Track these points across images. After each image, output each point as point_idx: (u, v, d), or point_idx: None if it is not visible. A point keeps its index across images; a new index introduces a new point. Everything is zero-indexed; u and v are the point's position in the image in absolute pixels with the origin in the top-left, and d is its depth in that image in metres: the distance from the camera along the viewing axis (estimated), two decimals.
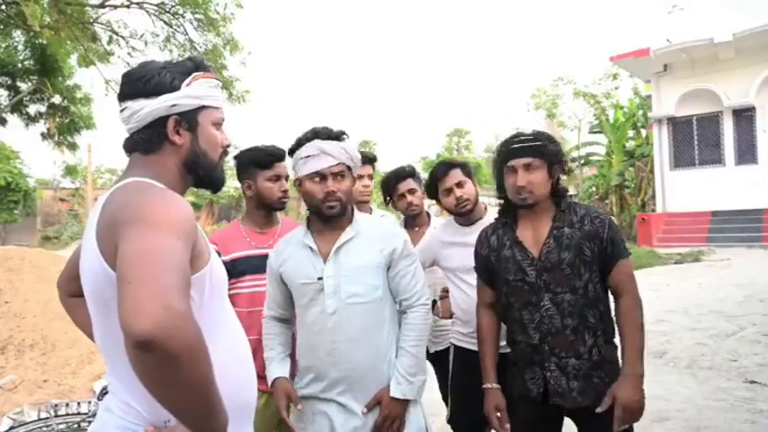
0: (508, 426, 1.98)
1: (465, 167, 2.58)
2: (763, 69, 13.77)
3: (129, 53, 9.42)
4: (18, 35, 10.57)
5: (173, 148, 1.28)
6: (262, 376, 2.11)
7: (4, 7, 8.45)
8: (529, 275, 1.92)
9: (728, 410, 3.82)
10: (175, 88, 1.25)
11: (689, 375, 4.61)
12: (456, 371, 2.57)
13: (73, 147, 13.06)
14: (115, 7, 9.03)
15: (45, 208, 30.18)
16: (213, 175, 1.35)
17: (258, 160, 2.28)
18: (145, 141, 1.27)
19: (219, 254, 2.12)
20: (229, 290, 2.14)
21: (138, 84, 1.25)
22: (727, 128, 14.74)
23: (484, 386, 2.05)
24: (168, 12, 9.08)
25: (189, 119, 1.28)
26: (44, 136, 12.44)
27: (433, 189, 2.60)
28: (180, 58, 1.33)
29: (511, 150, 1.92)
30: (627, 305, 1.89)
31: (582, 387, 1.87)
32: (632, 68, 16.63)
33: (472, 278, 2.27)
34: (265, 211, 2.34)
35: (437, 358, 2.76)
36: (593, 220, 1.92)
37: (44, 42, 9.76)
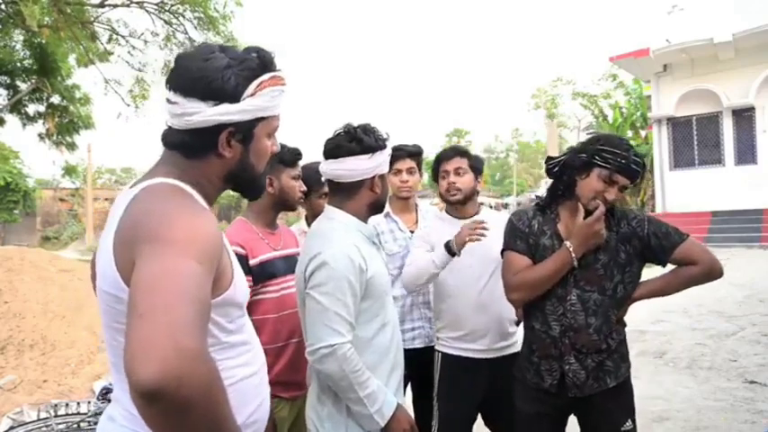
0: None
1: (475, 161, 2.55)
2: (762, 69, 13.77)
3: (128, 52, 9.44)
4: (17, 34, 10.53)
5: (220, 160, 1.16)
6: (287, 382, 2.05)
7: (3, 7, 8.43)
8: None
9: (728, 410, 3.82)
10: (237, 97, 1.11)
11: (689, 375, 4.62)
12: (443, 377, 2.49)
13: (71, 147, 13.01)
14: (115, 6, 9.03)
15: (45, 208, 30.18)
16: (255, 185, 1.27)
17: (284, 157, 2.17)
18: (189, 145, 1.14)
19: (247, 257, 2.03)
20: (257, 295, 2.05)
21: (198, 83, 1.10)
22: (727, 128, 14.74)
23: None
24: (168, 11, 9.08)
25: (244, 130, 1.16)
26: (41, 136, 12.37)
27: (435, 170, 2.61)
28: (247, 54, 1.16)
29: (624, 167, 1.86)
30: (690, 270, 1.89)
31: (596, 375, 1.91)
32: (632, 69, 16.63)
33: (455, 278, 2.35)
34: (278, 210, 2.25)
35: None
36: (630, 221, 1.96)
37: (43, 42, 9.75)
